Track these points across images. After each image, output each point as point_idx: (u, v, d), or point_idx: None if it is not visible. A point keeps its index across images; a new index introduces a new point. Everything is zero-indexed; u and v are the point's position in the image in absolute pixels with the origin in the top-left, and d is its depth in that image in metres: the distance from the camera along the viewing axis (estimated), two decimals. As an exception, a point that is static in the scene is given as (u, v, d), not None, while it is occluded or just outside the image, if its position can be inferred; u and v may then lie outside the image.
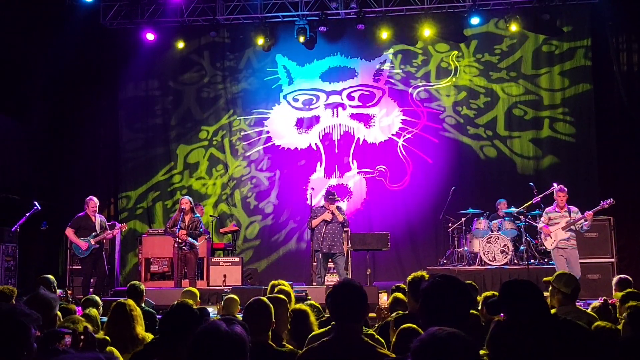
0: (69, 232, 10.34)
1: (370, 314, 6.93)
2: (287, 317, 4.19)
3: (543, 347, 3.03)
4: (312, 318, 4.72)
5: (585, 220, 9.57)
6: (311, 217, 10.58)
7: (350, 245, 10.44)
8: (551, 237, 9.71)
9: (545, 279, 5.15)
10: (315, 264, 11.82)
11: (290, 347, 3.92)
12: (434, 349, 2.08)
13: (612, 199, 9.58)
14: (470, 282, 6.25)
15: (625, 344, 2.35)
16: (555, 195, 9.83)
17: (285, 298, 4.45)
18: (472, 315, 4.85)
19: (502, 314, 4.45)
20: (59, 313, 4.80)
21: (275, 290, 5.71)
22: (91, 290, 9.97)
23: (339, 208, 10.45)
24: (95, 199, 10.52)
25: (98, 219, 10.47)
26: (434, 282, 2.88)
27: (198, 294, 7.03)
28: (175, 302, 3.65)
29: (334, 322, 3.26)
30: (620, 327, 4.18)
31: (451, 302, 2.80)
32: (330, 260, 10.55)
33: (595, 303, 5.78)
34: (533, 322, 3.11)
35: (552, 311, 4.71)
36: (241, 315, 5.61)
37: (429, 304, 2.84)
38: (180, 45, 13.63)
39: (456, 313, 2.77)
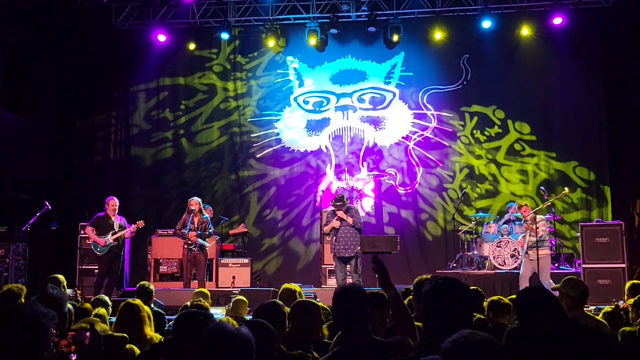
0: (89, 230, 10.42)
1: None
2: (318, 323, 4.11)
3: (559, 352, 3.00)
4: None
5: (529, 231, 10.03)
6: (324, 223, 10.59)
7: (359, 247, 10.39)
8: (522, 248, 10.26)
9: (552, 286, 5.11)
10: (325, 266, 11.87)
11: (301, 351, 3.89)
12: (465, 352, 2.06)
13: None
14: (475, 287, 6.22)
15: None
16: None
17: (316, 303, 4.32)
18: (479, 319, 4.83)
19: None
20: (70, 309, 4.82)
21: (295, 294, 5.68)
22: (102, 290, 10.00)
23: (349, 210, 10.38)
24: (115, 198, 10.58)
25: (117, 220, 10.51)
26: (435, 285, 2.85)
27: (209, 295, 7.04)
28: (186, 309, 3.64)
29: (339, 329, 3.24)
30: (635, 329, 4.15)
31: (453, 304, 2.76)
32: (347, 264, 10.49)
33: (607, 308, 5.74)
34: (549, 328, 3.09)
35: None
36: (249, 317, 5.61)
37: (431, 307, 2.82)
38: (192, 46, 13.68)
39: (458, 316, 2.74)
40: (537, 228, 9.79)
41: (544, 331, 3.10)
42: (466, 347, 2.07)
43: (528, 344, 3.06)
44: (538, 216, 10.04)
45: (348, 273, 10.23)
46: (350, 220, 10.18)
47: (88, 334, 2.94)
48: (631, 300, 5.36)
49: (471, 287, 6.01)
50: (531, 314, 3.16)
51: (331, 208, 10.58)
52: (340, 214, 10.21)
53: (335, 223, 10.24)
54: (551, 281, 9.59)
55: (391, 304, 3.31)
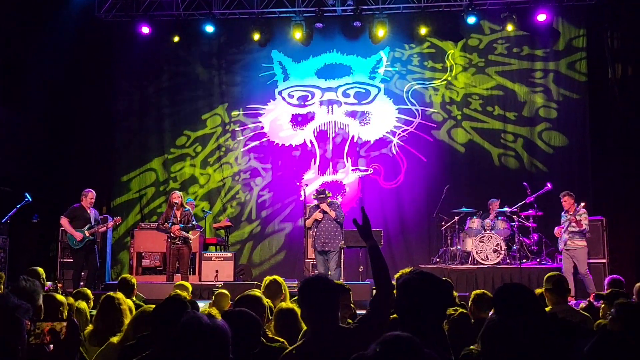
0: (64, 221, 10.27)
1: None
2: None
3: (537, 345, 3.02)
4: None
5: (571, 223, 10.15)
6: (306, 217, 10.55)
7: (343, 242, 10.38)
8: (560, 240, 10.32)
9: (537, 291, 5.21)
10: (308, 260, 11.86)
11: (281, 342, 3.89)
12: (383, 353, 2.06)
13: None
14: (445, 278, 6.27)
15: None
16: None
17: (259, 295, 4.32)
18: (461, 313, 4.85)
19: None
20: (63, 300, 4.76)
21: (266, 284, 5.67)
22: (81, 283, 9.93)
23: (332, 204, 10.34)
24: (93, 191, 10.48)
25: (92, 212, 10.42)
26: (409, 279, 2.85)
27: (190, 288, 7.00)
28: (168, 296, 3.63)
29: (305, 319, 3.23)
30: (606, 322, 4.22)
31: (426, 298, 2.76)
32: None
33: (582, 304, 5.84)
34: (526, 322, 3.10)
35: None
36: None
37: (404, 301, 2.81)
38: (176, 39, 13.53)
39: (431, 309, 2.74)
40: (580, 220, 10.01)
41: (522, 326, 3.11)
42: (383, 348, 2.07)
43: (506, 338, 3.07)
44: (581, 208, 10.18)
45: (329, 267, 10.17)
46: (332, 213, 10.12)
47: (65, 324, 2.91)
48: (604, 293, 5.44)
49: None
50: (509, 309, 3.18)
51: (314, 202, 10.56)
52: (323, 206, 10.18)
53: (318, 215, 10.18)
54: (587, 270, 9.95)
55: (370, 255, 3.33)
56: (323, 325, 3.12)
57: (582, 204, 10.23)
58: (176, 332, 2.35)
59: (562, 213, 10.50)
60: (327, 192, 10.38)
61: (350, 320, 4.20)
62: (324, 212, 10.16)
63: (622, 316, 3.83)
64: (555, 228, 10.59)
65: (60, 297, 4.60)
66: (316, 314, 3.15)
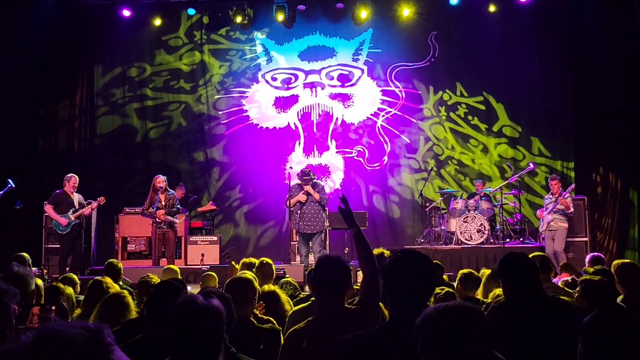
0: (48, 208, 10.26)
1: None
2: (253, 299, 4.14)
3: (537, 324, 3.13)
4: (284, 297, 4.74)
5: (558, 203, 10.41)
6: (288, 196, 10.51)
7: (328, 224, 10.39)
8: (543, 221, 10.56)
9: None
10: (294, 243, 11.88)
11: (272, 324, 3.93)
12: (442, 320, 2.10)
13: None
14: (435, 261, 6.39)
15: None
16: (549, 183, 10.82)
17: (250, 278, 4.32)
18: (447, 292, 4.92)
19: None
20: (39, 284, 4.77)
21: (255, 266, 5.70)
22: (67, 269, 9.89)
23: (315, 186, 10.25)
24: (76, 176, 10.42)
25: (76, 197, 10.36)
26: (395, 258, 2.87)
27: (178, 272, 7.02)
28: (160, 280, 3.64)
29: (314, 298, 3.28)
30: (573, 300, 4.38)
31: (413, 276, 2.77)
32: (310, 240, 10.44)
33: (561, 281, 5.98)
34: (528, 297, 3.23)
35: None
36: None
37: (391, 280, 2.84)
38: (158, 22, 13.42)
39: (418, 287, 2.77)
40: (567, 202, 10.28)
41: (526, 298, 3.23)
42: (440, 318, 2.10)
43: (510, 317, 3.19)
44: (565, 192, 10.45)
45: (311, 249, 10.17)
46: (317, 195, 10.05)
47: (54, 308, 2.92)
48: (590, 270, 5.55)
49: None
50: (511, 274, 3.33)
51: (297, 182, 10.43)
52: (308, 188, 10.08)
53: (302, 197, 10.09)
54: (562, 249, 10.27)
55: (355, 241, 3.42)
56: (334, 305, 3.18)
57: (573, 186, 10.48)
58: (172, 313, 2.39)
59: (547, 196, 10.67)
60: (312, 174, 10.30)
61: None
62: (308, 194, 10.13)
63: (588, 293, 4.06)
64: (538, 210, 10.77)
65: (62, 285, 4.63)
66: (325, 292, 3.20)
